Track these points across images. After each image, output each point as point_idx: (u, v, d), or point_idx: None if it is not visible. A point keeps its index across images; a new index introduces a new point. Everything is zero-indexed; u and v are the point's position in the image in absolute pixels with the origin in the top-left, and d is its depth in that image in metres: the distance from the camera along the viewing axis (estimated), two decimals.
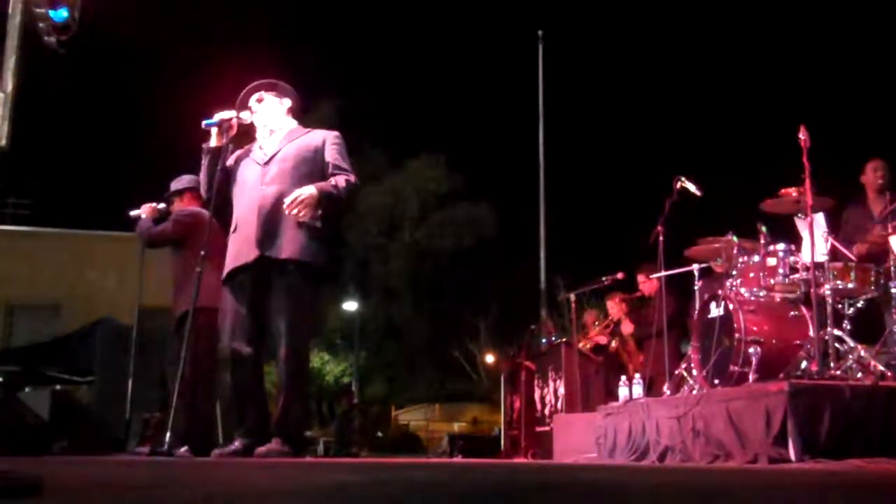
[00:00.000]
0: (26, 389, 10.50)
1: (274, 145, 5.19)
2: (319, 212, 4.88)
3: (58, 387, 11.41)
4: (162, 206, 6.61)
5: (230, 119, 5.27)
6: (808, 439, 4.56)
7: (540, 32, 17.79)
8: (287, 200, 4.79)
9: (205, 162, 5.32)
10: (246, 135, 5.40)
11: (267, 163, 5.09)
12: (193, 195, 6.40)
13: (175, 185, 6.61)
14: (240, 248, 4.98)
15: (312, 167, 5.09)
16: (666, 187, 7.14)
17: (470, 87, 39.89)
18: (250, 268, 4.93)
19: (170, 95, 35.05)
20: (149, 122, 35.56)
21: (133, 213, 6.58)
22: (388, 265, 32.28)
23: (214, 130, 5.29)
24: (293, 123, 5.36)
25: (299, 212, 4.77)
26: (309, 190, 4.83)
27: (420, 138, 32.77)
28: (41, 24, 3.00)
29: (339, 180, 5.00)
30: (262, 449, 4.60)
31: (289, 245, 4.87)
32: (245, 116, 5.31)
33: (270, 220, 4.91)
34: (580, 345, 9.55)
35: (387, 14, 40.93)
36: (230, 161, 5.29)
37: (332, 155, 5.14)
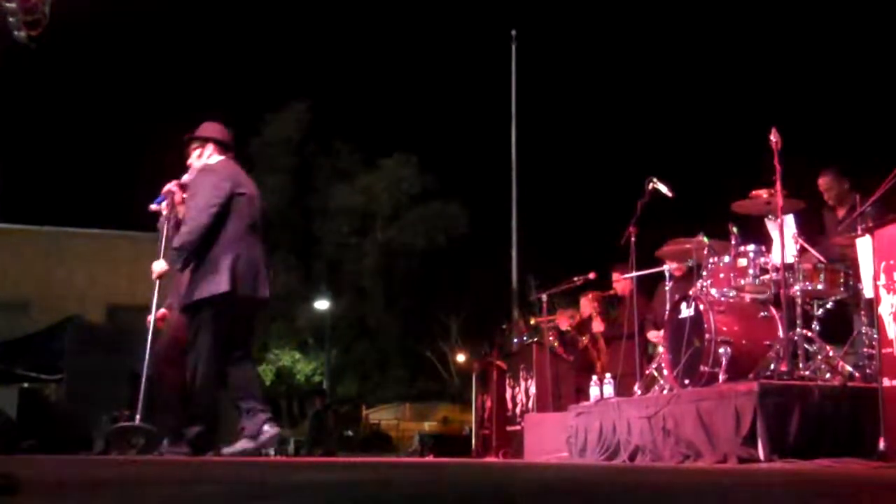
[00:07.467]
0: None
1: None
2: (178, 265, 5.78)
3: (26, 385, 11.26)
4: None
5: (173, 191, 6.07)
6: (777, 439, 4.60)
7: (513, 32, 17.86)
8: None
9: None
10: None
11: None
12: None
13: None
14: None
15: None
16: (638, 188, 7.18)
17: (443, 86, 39.88)
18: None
19: (139, 91, 34.81)
20: (119, 118, 35.26)
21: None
22: (360, 264, 32.09)
23: (164, 204, 6.09)
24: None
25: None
26: (158, 266, 6.02)
27: (392, 137, 32.69)
28: (11, 19, 2.96)
29: (175, 240, 5.76)
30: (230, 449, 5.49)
31: (186, 294, 5.75)
32: (185, 178, 6.01)
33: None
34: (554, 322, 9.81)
35: (359, 13, 40.80)
36: None
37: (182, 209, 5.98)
